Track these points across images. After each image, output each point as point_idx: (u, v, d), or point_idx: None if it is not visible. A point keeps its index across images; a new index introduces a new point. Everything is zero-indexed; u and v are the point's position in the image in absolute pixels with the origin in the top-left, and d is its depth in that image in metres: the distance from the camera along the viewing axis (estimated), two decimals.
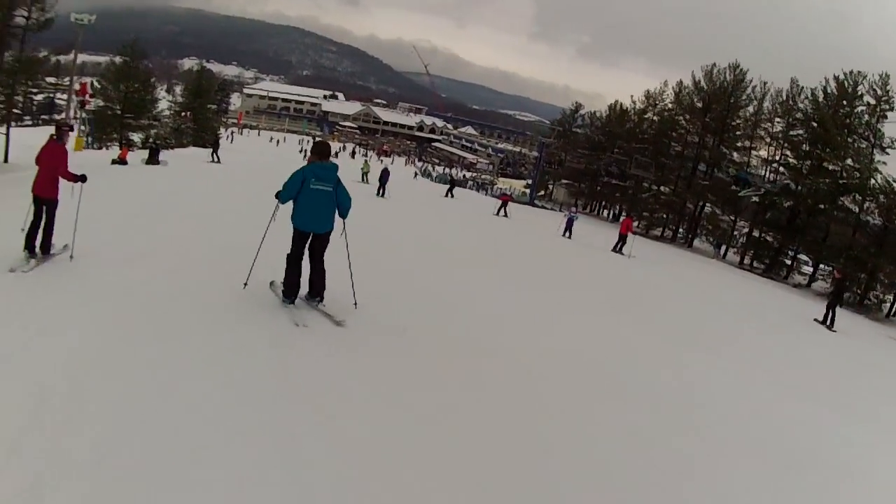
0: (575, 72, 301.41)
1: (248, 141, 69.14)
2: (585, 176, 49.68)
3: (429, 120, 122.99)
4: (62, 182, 6.24)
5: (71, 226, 6.30)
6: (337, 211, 5.63)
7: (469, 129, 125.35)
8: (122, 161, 22.77)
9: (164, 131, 44.93)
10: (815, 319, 15.37)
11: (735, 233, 38.66)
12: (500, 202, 27.55)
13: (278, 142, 78.14)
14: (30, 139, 33.24)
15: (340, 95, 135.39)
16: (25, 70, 28.78)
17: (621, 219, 28.89)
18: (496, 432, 4.11)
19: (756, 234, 36.93)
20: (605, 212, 50.82)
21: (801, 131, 35.87)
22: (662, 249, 30.77)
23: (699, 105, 40.60)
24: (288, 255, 5.61)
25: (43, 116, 57.80)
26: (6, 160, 26.31)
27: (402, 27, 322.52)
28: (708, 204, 40.05)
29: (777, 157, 37.74)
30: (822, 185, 32.69)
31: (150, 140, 31.13)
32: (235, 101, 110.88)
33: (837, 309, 15.36)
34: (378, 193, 22.80)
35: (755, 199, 35.65)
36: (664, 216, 42.48)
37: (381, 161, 70.42)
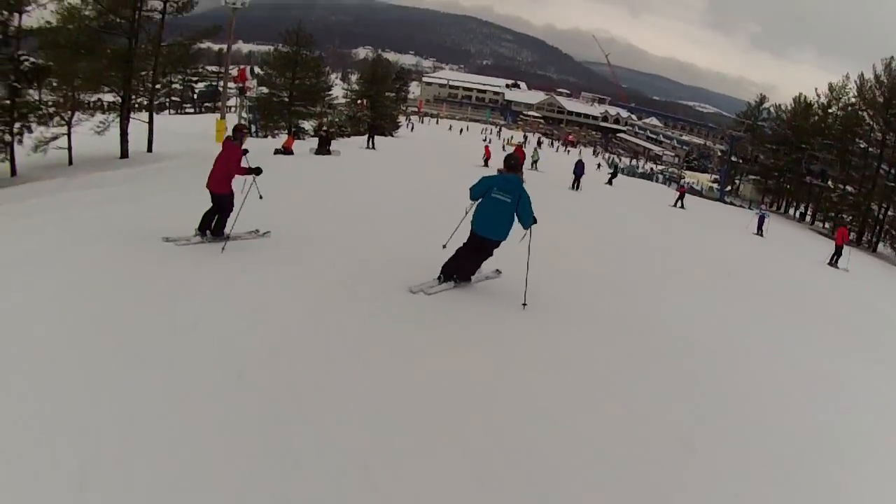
0: (749, 62, 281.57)
1: (427, 129, 70.49)
2: (773, 172, 48.95)
3: (612, 110, 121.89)
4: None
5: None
6: (518, 221, 5.99)
7: (653, 121, 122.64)
8: (286, 150, 21.45)
9: (339, 119, 46.09)
10: None
11: None
12: (677, 193, 28.70)
13: (461, 130, 78.85)
14: (184, 126, 34.54)
15: (523, 84, 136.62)
16: (170, 57, 27.30)
17: (837, 229, 25.03)
18: None
19: None
20: (792, 210, 49.58)
21: None
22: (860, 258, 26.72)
23: (880, 100, 38.90)
24: (459, 248, 6.25)
25: (206, 104, 60.55)
26: (150, 149, 25.87)
27: (578, 16, 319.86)
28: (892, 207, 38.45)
29: None
30: None
31: (323, 128, 29.76)
32: (414, 89, 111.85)
33: None
34: (572, 187, 22.84)
35: None
36: (849, 218, 40.00)
37: (569, 152, 73.18)
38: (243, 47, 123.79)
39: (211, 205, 6.86)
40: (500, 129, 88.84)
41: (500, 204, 5.91)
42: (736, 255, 15.18)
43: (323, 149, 21.69)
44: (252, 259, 6.42)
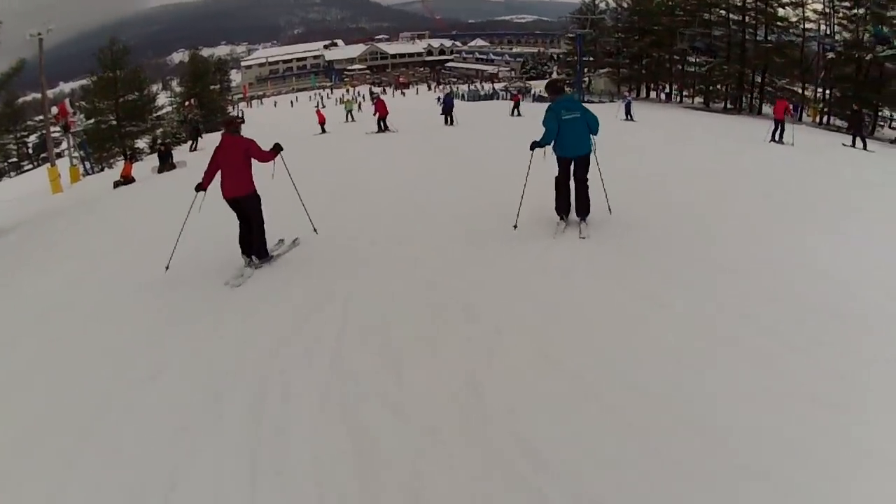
0: None
1: (259, 112, 69.44)
2: (627, 60, 48.69)
3: (436, 43, 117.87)
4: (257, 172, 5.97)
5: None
6: (590, 131, 6.48)
7: (479, 42, 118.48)
8: (126, 180, 19.37)
9: (170, 128, 42.97)
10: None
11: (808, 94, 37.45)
12: (512, 102, 29.47)
13: (291, 103, 77.40)
14: (16, 188, 31.42)
15: (340, 42, 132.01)
16: None
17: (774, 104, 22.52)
18: None
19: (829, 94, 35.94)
20: (653, 93, 49.17)
21: None
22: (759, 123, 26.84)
23: None
24: (556, 179, 6.60)
25: (43, 155, 53.92)
26: None
27: None
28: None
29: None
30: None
31: (158, 142, 29.55)
32: (236, 77, 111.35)
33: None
34: (446, 122, 23.70)
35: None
36: (724, 88, 41.68)
37: (404, 94, 70.44)
38: (65, 87, 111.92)
39: (240, 221, 6.09)
40: (331, 91, 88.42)
41: (577, 122, 6.46)
42: (649, 145, 15.30)
43: (165, 165, 20.46)
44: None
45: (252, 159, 6.05)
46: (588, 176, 6.61)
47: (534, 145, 6.48)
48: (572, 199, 6.63)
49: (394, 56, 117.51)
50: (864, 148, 18.43)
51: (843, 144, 19.31)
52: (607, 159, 7.53)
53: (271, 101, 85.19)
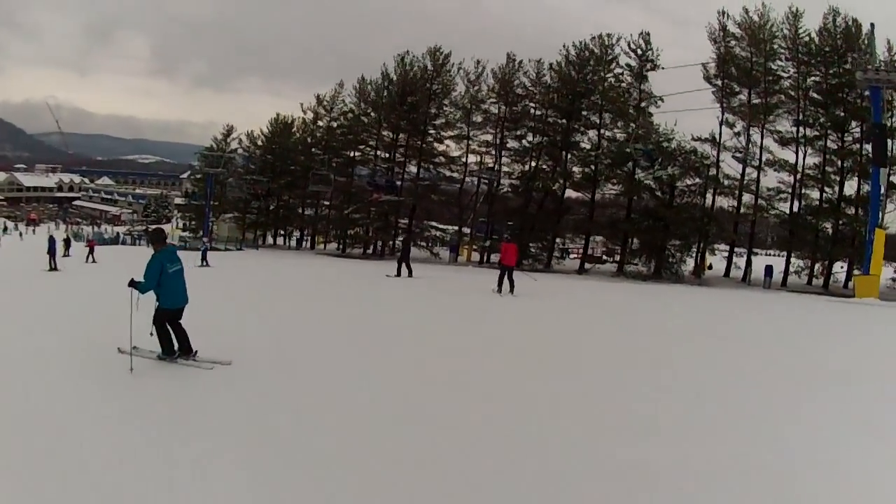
0: (190, 104, 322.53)
1: None
2: (256, 202, 47.74)
3: (66, 178, 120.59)
4: None
5: None
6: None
7: (105, 180, 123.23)
8: None
9: None
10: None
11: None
12: (87, 248, 28.40)
13: None
14: None
15: None
16: None
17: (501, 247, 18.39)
18: None
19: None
20: (283, 239, 50.36)
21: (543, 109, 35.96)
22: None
23: (388, 100, 39.92)
24: (161, 326, 6.48)
25: None
26: None
27: (29, 86, 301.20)
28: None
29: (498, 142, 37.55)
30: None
31: None
32: None
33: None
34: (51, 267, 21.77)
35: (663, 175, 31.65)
36: (365, 232, 41.51)
37: (34, 231, 72.05)
38: None
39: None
40: None
41: (179, 273, 6.58)
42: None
43: None
44: None
45: None
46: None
47: (131, 283, 6.22)
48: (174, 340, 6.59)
49: (29, 188, 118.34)
50: (410, 275, 19.25)
51: (387, 275, 19.64)
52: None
53: None
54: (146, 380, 5.92)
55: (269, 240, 50.30)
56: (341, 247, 42.56)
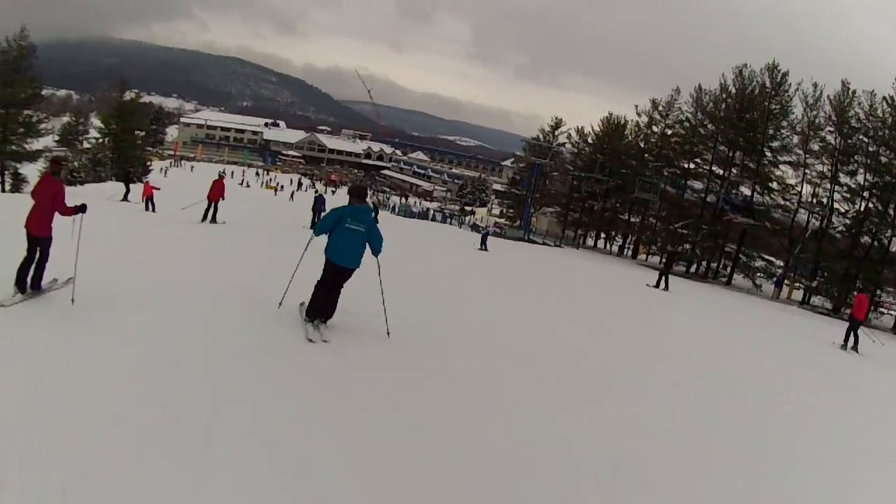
0: (511, 92, 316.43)
1: (176, 175, 57.77)
2: (584, 201, 46.50)
3: (375, 146, 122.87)
4: (58, 219, 6.32)
5: (71, 267, 6.35)
6: (370, 249, 6.44)
7: (419, 155, 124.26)
8: None
9: (80, 161, 40.99)
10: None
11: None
12: (480, 237, 27.97)
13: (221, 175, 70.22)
14: None
15: (282, 123, 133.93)
16: None
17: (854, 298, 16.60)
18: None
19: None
20: (605, 243, 47.77)
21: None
22: (735, 298, 26.99)
23: (725, 113, 37.74)
24: (319, 281, 6.43)
25: None
26: None
27: (337, 55, 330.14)
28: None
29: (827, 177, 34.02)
30: None
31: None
32: (174, 132, 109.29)
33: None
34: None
35: None
36: (693, 250, 37.99)
37: (334, 192, 71.57)
38: None
39: (27, 253, 6.19)
40: (262, 171, 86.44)
41: (356, 234, 6.34)
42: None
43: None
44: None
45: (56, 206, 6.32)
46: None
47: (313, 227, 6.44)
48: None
49: (331, 151, 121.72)
50: (666, 288, 19.51)
51: (647, 285, 20.15)
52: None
53: (201, 168, 74.42)
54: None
55: (590, 241, 48.56)
56: (664, 261, 35.10)
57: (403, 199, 79.20)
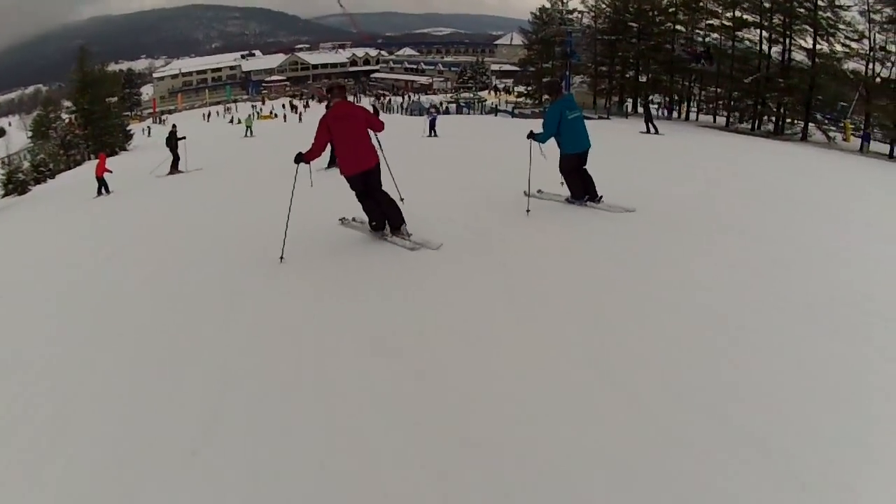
0: None
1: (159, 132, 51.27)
2: (616, 67, 41.31)
3: (360, 52, 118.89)
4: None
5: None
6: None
7: (407, 51, 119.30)
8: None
9: (49, 151, 36.27)
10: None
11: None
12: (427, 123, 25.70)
13: (205, 116, 68.95)
14: None
15: (258, 52, 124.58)
16: None
17: None
18: None
19: None
20: (662, 110, 39.18)
21: None
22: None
23: None
24: (568, 170, 7.01)
25: None
26: None
27: None
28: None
29: None
30: None
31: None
32: (149, 91, 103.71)
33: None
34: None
35: None
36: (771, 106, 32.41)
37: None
38: None
39: (361, 198, 5.86)
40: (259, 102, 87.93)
41: (578, 120, 7.01)
42: None
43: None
44: None
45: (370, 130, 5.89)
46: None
47: (531, 135, 6.86)
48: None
49: (315, 66, 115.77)
50: (656, 132, 21.59)
51: (640, 132, 22.06)
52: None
53: (182, 116, 74.92)
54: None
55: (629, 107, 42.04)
56: (728, 119, 34.92)
57: (408, 98, 78.66)
